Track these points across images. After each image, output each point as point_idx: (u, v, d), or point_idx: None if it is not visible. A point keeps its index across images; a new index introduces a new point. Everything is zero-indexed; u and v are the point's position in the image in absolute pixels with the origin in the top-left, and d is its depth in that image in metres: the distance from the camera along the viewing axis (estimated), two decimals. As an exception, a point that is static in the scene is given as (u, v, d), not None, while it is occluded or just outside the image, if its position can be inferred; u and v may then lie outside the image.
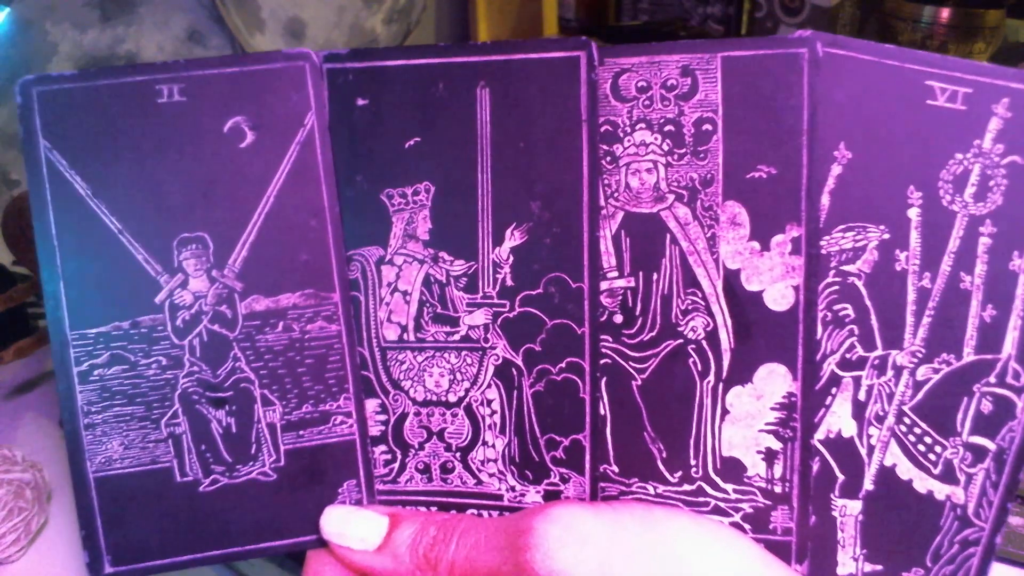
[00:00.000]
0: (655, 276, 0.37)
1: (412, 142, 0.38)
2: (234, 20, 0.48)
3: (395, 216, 0.38)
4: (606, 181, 0.37)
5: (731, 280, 0.36)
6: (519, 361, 0.38)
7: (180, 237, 0.38)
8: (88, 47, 0.49)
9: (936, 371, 0.36)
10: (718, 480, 0.37)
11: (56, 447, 0.62)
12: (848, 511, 0.37)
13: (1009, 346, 0.35)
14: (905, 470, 0.36)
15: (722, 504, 0.37)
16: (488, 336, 0.38)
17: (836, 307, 0.36)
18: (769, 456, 0.36)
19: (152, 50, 0.49)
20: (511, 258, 0.37)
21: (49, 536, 0.55)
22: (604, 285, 0.37)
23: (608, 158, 0.37)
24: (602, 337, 0.37)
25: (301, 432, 0.39)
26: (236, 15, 0.48)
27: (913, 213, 0.35)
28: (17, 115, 0.36)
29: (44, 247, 0.37)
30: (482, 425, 0.39)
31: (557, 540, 0.34)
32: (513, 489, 0.39)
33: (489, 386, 0.38)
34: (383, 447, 0.39)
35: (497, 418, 0.38)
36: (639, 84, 0.36)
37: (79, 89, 0.37)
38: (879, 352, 0.36)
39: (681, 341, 0.37)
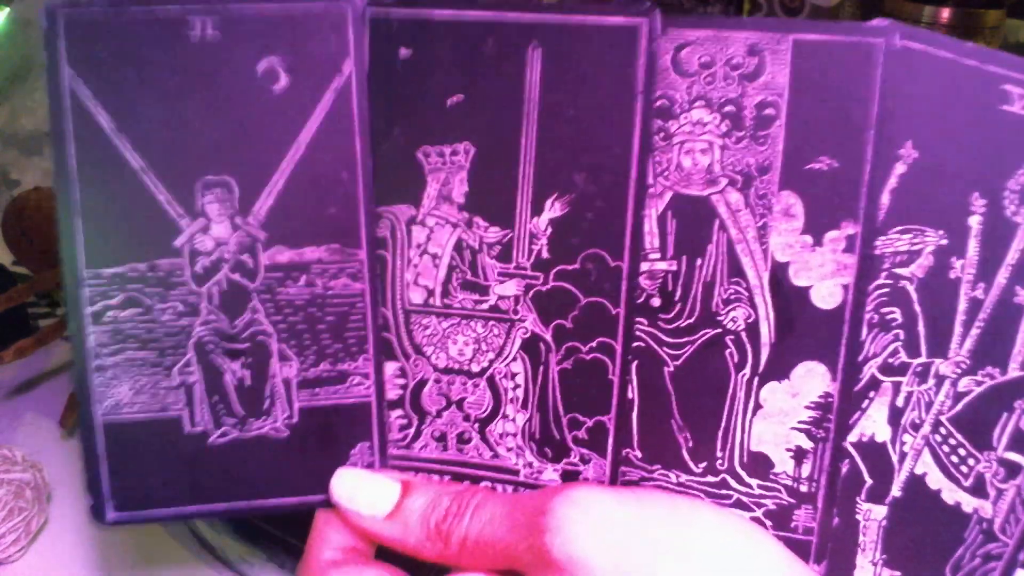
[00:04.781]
0: (699, 261, 0.37)
1: (455, 99, 0.38)
2: None
3: (430, 175, 0.39)
4: (657, 158, 0.37)
5: (778, 273, 0.37)
6: (548, 336, 0.39)
7: (204, 180, 0.38)
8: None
9: (979, 384, 0.37)
10: (743, 474, 0.38)
11: (56, 447, 0.64)
12: (872, 515, 0.38)
13: (1057, 365, 0.36)
14: (935, 480, 0.38)
15: (745, 499, 0.38)
16: (518, 308, 0.39)
17: (884, 310, 0.37)
18: (798, 454, 0.38)
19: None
20: (549, 230, 0.38)
21: (49, 536, 0.57)
22: (645, 266, 0.38)
23: (661, 134, 0.37)
24: (637, 320, 0.38)
25: (317, 390, 0.40)
26: None
27: (974, 220, 0.36)
28: (42, 41, 0.36)
29: (62, 179, 0.37)
30: (504, 398, 0.40)
31: (577, 524, 0.35)
32: (530, 465, 0.40)
33: (515, 359, 0.39)
34: (399, 412, 0.40)
35: (520, 392, 0.39)
36: (702, 59, 0.36)
37: (108, 17, 0.37)
38: (923, 359, 0.37)
39: (720, 331, 0.38)
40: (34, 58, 0.49)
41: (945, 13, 0.80)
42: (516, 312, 0.39)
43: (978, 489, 0.37)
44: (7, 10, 0.50)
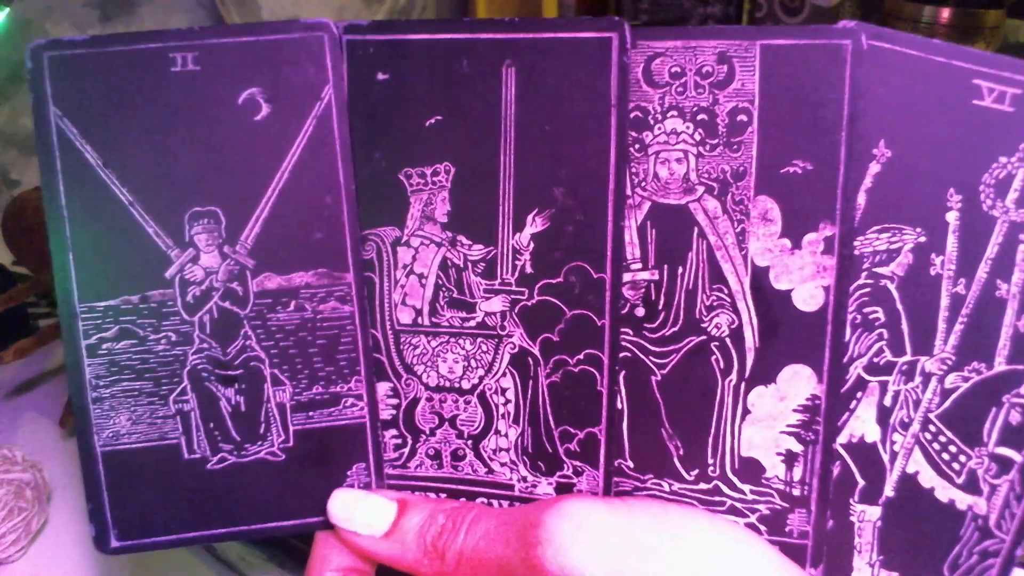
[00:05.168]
0: (680, 270, 0.38)
1: (433, 120, 0.38)
2: (234, 20, 0.49)
3: (413, 196, 0.39)
4: (634, 169, 0.37)
5: (759, 278, 0.37)
6: (536, 350, 0.39)
7: (192, 211, 0.39)
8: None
9: (965, 379, 0.37)
10: (735, 480, 0.38)
11: (56, 447, 0.64)
12: (867, 516, 0.38)
13: (1043, 358, 0.36)
14: (927, 478, 0.38)
15: (738, 504, 0.38)
16: (505, 324, 0.39)
17: (866, 310, 0.37)
18: (789, 458, 0.38)
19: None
20: (531, 245, 0.39)
21: (49, 536, 0.58)
22: (627, 277, 0.38)
23: (637, 145, 0.37)
24: (623, 330, 0.38)
25: (311, 413, 0.40)
26: (236, 15, 0.49)
27: (951, 217, 0.36)
28: (27, 81, 0.37)
29: (53, 217, 0.38)
30: (495, 414, 0.40)
31: (569, 536, 0.35)
32: (525, 480, 0.40)
33: (504, 374, 0.40)
34: (394, 431, 0.41)
35: (511, 407, 0.40)
36: (673, 69, 0.37)
37: (90, 55, 0.38)
38: (908, 358, 0.37)
39: (704, 338, 0.38)
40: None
41: (945, 13, 0.81)
42: (503, 328, 0.39)
43: (971, 486, 0.37)
44: (7, 10, 0.51)
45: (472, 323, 0.40)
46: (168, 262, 0.39)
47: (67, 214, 0.38)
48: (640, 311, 0.38)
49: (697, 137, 0.37)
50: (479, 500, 0.41)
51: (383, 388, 0.41)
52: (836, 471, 0.38)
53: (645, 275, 0.38)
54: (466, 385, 0.40)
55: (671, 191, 0.37)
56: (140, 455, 0.40)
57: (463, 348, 0.40)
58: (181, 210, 0.39)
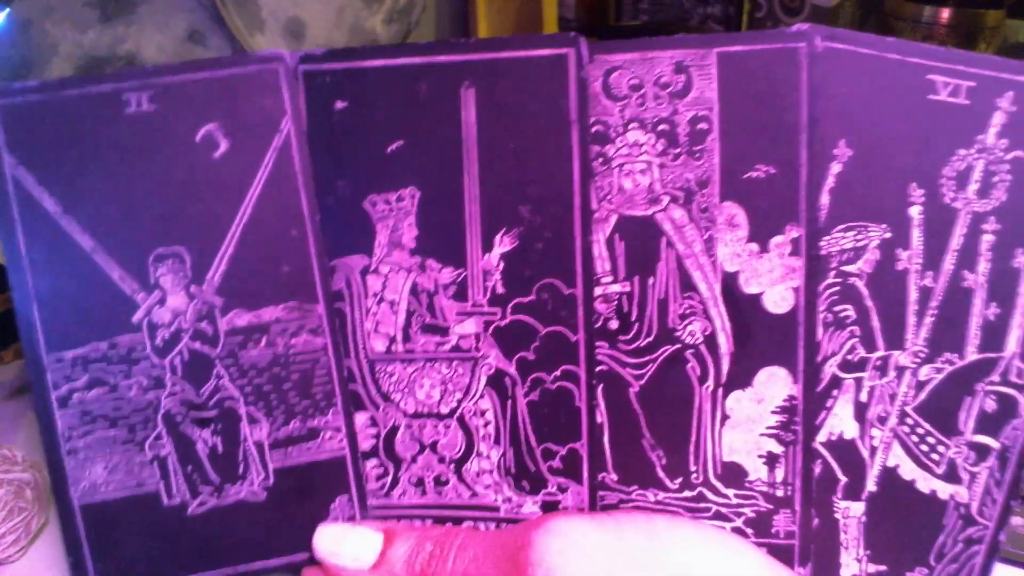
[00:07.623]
0: (651, 280, 0.38)
1: (395, 146, 0.38)
2: (234, 20, 0.48)
3: (379, 223, 0.39)
4: (598, 183, 0.37)
5: (729, 283, 0.37)
6: (512, 370, 0.39)
7: (155, 253, 0.38)
8: (88, 47, 0.50)
9: (939, 371, 0.37)
10: (719, 485, 0.38)
11: None
12: (851, 513, 0.38)
13: (1013, 344, 0.37)
14: (908, 470, 0.38)
15: (724, 510, 0.38)
16: (480, 345, 0.39)
17: (837, 308, 0.37)
18: (771, 460, 0.38)
19: (152, 50, 0.50)
20: (501, 264, 0.38)
21: (49, 536, 0.56)
22: (598, 291, 0.38)
23: (600, 159, 0.37)
24: (598, 344, 0.38)
25: (290, 449, 0.40)
26: (236, 15, 0.48)
27: (915, 211, 0.36)
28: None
29: (14, 267, 0.38)
30: (476, 436, 0.40)
31: (559, 555, 0.35)
32: (510, 500, 0.40)
33: (482, 396, 0.39)
34: (374, 461, 0.41)
35: (491, 429, 0.40)
36: (631, 82, 0.37)
37: (43, 101, 0.37)
38: (881, 353, 0.37)
39: (679, 346, 0.38)
40: (34, 59, 0.49)
41: (945, 13, 0.82)
42: (478, 349, 0.39)
43: (951, 475, 0.38)
44: (7, 10, 0.50)
45: (447, 347, 0.39)
46: (135, 306, 0.38)
47: (28, 264, 0.38)
48: (614, 324, 0.38)
49: (659, 148, 0.37)
50: (465, 524, 0.40)
51: (361, 418, 0.40)
52: (818, 470, 0.38)
53: (616, 288, 0.38)
54: (445, 410, 0.40)
55: (637, 203, 0.37)
56: (119, 505, 0.39)
57: (439, 373, 0.40)
58: (144, 253, 0.38)
